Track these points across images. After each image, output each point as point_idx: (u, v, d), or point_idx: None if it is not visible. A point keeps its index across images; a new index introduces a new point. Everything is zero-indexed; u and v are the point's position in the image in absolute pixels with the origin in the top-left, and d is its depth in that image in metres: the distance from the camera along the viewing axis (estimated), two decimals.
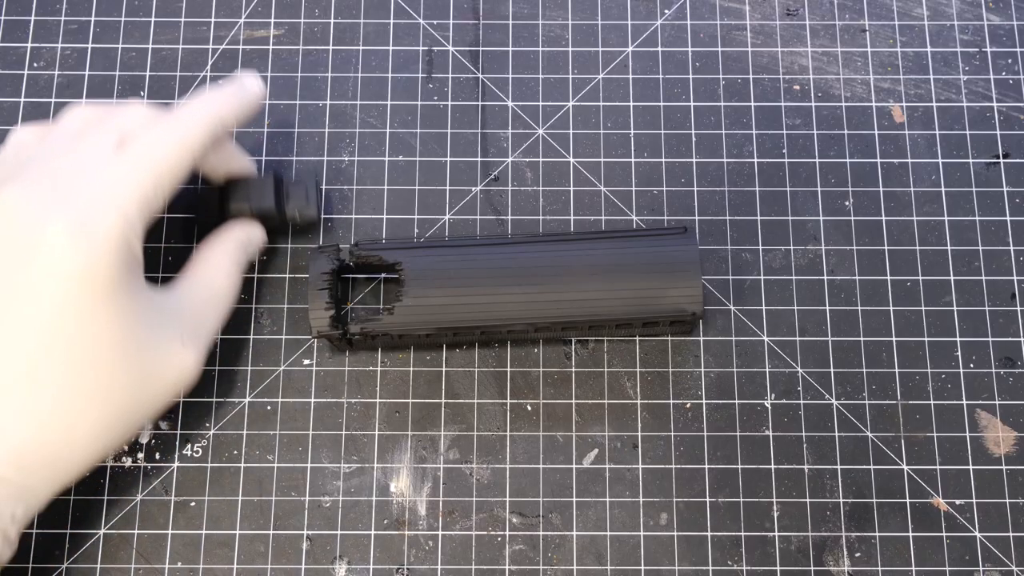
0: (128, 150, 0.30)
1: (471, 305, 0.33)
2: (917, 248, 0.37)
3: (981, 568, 0.34)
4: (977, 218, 0.37)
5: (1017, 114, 0.39)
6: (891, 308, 0.36)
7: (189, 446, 0.35)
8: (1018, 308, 0.36)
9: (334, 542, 0.34)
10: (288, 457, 0.35)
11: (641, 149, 0.38)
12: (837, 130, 0.39)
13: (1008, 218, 0.37)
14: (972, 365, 0.36)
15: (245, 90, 0.34)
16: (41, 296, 0.28)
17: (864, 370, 0.36)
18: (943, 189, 0.38)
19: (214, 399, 0.36)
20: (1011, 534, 0.34)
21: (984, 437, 0.35)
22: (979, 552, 0.34)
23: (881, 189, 0.38)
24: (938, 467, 0.35)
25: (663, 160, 0.38)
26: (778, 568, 0.34)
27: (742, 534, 0.34)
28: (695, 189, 0.38)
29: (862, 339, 0.36)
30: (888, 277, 0.37)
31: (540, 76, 0.39)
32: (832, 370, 0.36)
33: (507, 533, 0.34)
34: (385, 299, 0.37)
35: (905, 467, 0.35)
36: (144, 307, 0.30)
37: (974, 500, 0.35)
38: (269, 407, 0.36)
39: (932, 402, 0.35)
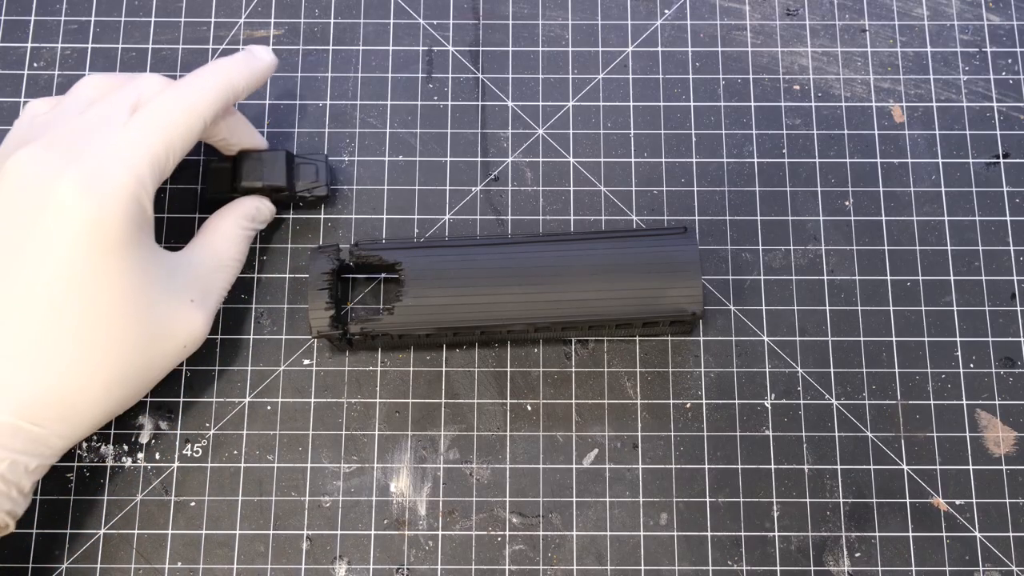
0: (140, 113, 0.31)
1: (471, 305, 0.33)
2: (917, 248, 0.37)
3: (981, 568, 0.34)
4: (977, 218, 0.37)
5: (1017, 114, 0.39)
6: (891, 308, 0.36)
7: (189, 446, 0.35)
8: (1018, 308, 0.36)
9: (334, 542, 0.34)
10: (288, 457, 0.35)
11: (641, 149, 0.38)
12: (837, 130, 0.39)
13: (1008, 218, 0.37)
14: (972, 365, 0.36)
15: (256, 58, 0.34)
16: (54, 250, 0.29)
17: (864, 370, 0.36)
18: (943, 189, 0.38)
19: (214, 399, 0.36)
20: (1011, 534, 0.34)
21: (984, 437, 0.35)
22: (979, 552, 0.34)
23: (881, 189, 0.38)
24: (938, 467, 0.35)
25: (663, 160, 0.38)
26: (778, 568, 0.34)
27: (742, 534, 0.34)
28: (695, 189, 0.38)
29: (862, 339, 0.36)
30: (888, 277, 0.37)
31: (540, 76, 0.39)
32: (832, 370, 0.36)
33: (507, 533, 0.34)
34: (385, 299, 0.37)
35: (905, 467, 0.35)
36: (155, 265, 0.31)
37: (974, 500, 0.35)
38: (269, 407, 0.36)
39: (932, 402, 0.35)
